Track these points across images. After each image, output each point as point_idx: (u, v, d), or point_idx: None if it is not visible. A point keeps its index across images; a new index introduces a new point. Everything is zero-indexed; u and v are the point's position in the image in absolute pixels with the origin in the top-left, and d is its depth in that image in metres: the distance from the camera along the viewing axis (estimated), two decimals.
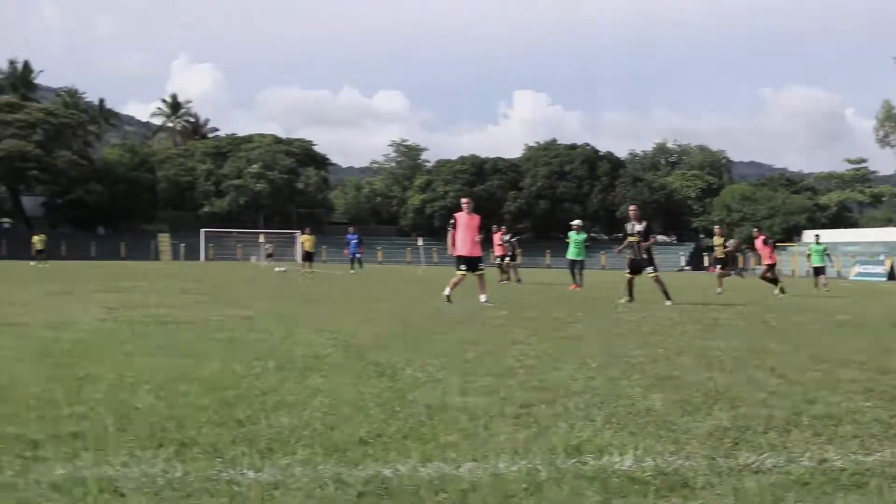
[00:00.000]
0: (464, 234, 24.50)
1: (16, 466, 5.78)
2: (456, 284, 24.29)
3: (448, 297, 23.87)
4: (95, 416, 7.38)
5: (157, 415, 7.47)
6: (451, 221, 24.98)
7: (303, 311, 20.57)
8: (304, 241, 59.92)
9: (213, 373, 9.88)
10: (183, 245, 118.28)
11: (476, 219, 24.78)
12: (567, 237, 39.24)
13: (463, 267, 24.37)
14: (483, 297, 23.97)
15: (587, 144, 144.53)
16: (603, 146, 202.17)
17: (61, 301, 23.55)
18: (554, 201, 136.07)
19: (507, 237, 44.57)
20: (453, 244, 24.66)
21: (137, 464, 5.89)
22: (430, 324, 17.27)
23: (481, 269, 24.76)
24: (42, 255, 71.81)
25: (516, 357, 11.87)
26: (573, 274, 37.34)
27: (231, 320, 17.30)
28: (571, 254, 38.02)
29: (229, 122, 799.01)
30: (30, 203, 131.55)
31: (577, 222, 39.47)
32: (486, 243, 29.87)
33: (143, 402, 7.98)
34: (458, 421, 7.51)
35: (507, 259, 44.09)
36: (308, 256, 58.66)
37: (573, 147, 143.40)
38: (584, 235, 38.57)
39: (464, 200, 25.58)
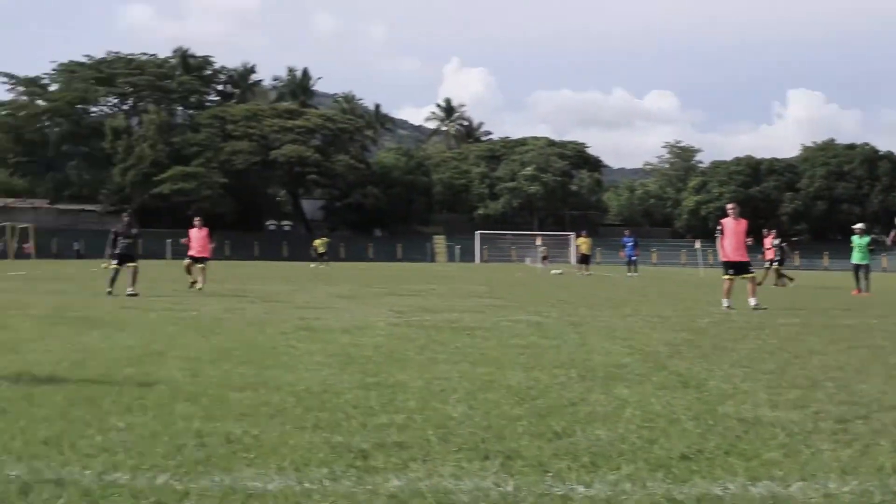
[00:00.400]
0: (731, 239, 24.31)
1: (351, 477, 5.91)
2: (729, 291, 24.04)
3: (729, 306, 23.56)
4: (415, 425, 7.50)
5: (474, 425, 7.55)
6: (718, 228, 24.87)
7: (589, 315, 20.51)
8: (580, 243, 59.92)
9: (518, 381, 9.93)
10: (458, 247, 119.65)
11: (743, 223, 24.58)
12: (850, 241, 38.22)
13: (731, 271, 24.22)
14: (753, 301, 23.71)
15: (866, 144, 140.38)
16: (883, 145, 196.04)
17: (350, 304, 24.12)
18: (832, 203, 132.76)
19: (776, 241, 43.71)
20: (722, 249, 24.54)
21: (468, 476, 5.96)
22: (720, 331, 17.01)
23: (751, 273, 24.57)
24: (324, 257, 73.52)
25: (819, 368, 11.57)
26: (857, 278, 36.34)
27: (521, 325, 17.39)
28: (855, 258, 36.97)
29: (501, 124, 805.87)
30: (309, 206, 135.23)
31: (859, 226, 38.36)
32: (756, 246, 29.45)
33: (458, 412, 8.07)
34: (776, 436, 7.37)
35: (776, 263, 43.17)
36: (584, 259, 58.70)
37: (852, 147, 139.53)
38: (867, 239, 37.42)
39: (729, 206, 25.42)
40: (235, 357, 11.72)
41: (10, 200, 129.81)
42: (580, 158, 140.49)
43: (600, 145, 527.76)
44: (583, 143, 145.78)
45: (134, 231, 27.87)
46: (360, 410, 8.06)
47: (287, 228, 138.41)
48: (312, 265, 70.77)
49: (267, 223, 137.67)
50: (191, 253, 31.25)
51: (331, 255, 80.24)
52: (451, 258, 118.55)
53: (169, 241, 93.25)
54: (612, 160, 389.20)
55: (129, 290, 26.02)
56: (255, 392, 8.90)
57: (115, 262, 27.26)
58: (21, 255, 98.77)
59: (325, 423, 7.51)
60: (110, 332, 15.05)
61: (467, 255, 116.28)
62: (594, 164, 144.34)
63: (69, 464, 5.95)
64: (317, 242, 76.10)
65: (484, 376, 10.28)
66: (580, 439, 7.10)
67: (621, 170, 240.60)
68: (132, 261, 27.31)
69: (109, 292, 26.03)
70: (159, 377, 9.86)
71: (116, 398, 8.41)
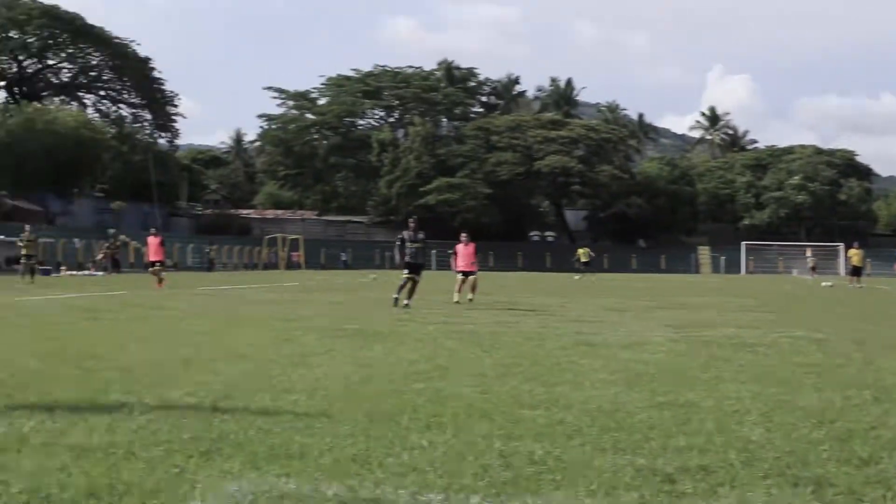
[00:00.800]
0: None
1: (663, 502, 5.85)
2: None
3: None
4: (715, 448, 7.37)
5: (775, 449, 7.37)
6: None
7: (870, 331, 19.93)
8: (852, 255, 58.40)
9: (810, 403, 9.68)
10: (723, 258, 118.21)
11: None
12: None
13: None
14: None
15: None
16: None
17: (622, 317, 24.01)
18: None
19: None
20: None
21: None
22: None
23: None
24: (587, 267, 73.50)
25: None
26: None
27: (802, 342, 16.99)
28: None
29: (764, 132, 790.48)
30: (572, 217, 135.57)
31: None
32: None
33: (756, 434, 7.91)
34: None
35: None
36: (856, 271, 57.21)
37: None
38: None
39: None
40: (520, 373, 11.77)
41: (280, 212, 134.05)
42: (849, 167, 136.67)
43: (868, 153, 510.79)
44: (851, 151, 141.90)
45: (420, 235, 28.16)
46: (656, 431, 7.97)
47: (550, 239, 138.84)
48: (577, 276, 70.73)
49: (530, 234, 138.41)
50: (459, 268, 31.49)
51: (594, 266, 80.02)
52: (715, 269, 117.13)
53: (434, 251, 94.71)
54: (881, 168, 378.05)
55: (405, 302, 26.45)
56: (547, 410, 8.91)
57: (406, 270, 27.52)
58: (291, 265, 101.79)
59: (624, 444, 7.46)
60: (392, 346, 15.32)
61: (732, 267, 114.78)
62: (864, 173, 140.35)
63: (382, 483, 6.05)
64: (580, 252, 76.07)
65: (775, 396, 10.06)
66: (888, 466, 6.86)
67: (891, 178, 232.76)
68: (419, 272, 27.61)
69: (396, 300, 26.48)
70: (449, 393, 9.97)
71: (413, 415, 8.53)
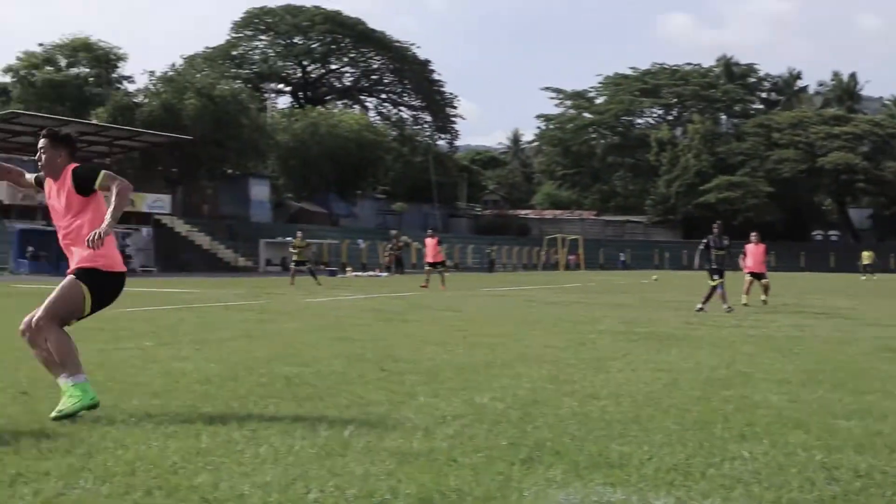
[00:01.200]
0: None
1: None
2: None
3: None
4: None
5: None
6: None
7: None
8: None
9: None
10: None
11: None
12: None
13: None
14: None
15: None
16: None
17: None
18: None
19: None
20: None
21: None
22: None
23: None
24: (869, 269, 71.84)
25: None
26: None
27: None
28: None
29: None
30: (857, 215, 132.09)
31: None
32: None
33: None
34: None
35: None
36: None
37: None
38: None
39: None
40: (825, 380, 11.47)
41: (558, 212, 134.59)
42: None
43: None
44: None
45: (726, 242, 27.67)
46: None
47: (834, 238, 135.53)
48: (863, 277, 69.00)
49: (813, 233, 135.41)
50: (748, 268, 30.88)
51: (877, 267, 77.82)
52: None
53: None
54: None
55: (699, 306, 26.11)
56: (862, 420, 8.64)
57: (716, 276, 27.09)
58: (569, 265, 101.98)
59: None
60: (688, 350, 15.16)
61: None
62: None
63: (710, 494, 5.96)
64: (864, 255, 74.44)
65: None
66: None
67: None
68: (723, 275, 27.15)
69: (701, 309, 26.04)
70: (757, 401, 9.78)
71: (724, 423, 8.38)
